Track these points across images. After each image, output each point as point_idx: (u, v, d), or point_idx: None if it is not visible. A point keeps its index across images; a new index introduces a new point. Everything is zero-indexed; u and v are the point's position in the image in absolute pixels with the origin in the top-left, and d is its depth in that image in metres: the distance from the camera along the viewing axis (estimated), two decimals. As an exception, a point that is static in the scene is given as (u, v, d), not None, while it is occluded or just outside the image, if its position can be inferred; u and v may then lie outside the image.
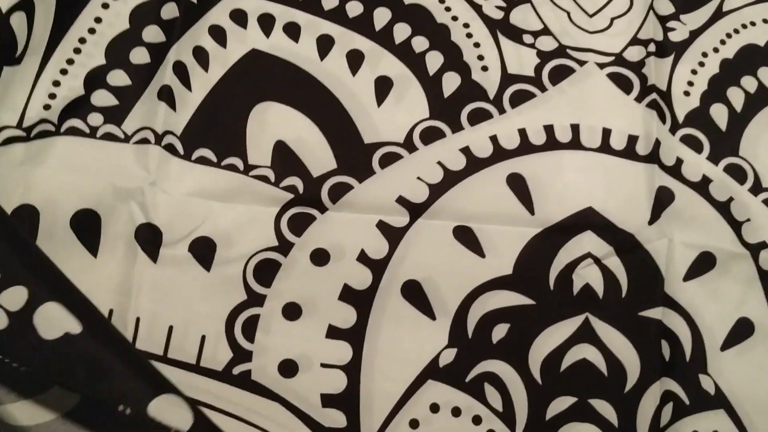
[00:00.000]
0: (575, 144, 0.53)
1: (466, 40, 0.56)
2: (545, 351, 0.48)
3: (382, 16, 0.55)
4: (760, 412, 0.49)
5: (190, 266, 0.48)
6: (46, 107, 0.50)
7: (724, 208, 0.52)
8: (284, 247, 0.49)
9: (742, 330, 0.50)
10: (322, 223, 0.49)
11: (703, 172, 0.53)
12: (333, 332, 0.48)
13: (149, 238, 0.48)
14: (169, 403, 0.37)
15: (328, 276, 0.49)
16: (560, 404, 0.48)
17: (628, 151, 0.53)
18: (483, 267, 0.49)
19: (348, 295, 0.48)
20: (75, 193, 0.48)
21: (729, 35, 0.58)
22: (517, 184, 0.51)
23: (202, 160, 0.50)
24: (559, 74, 0.55)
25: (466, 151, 0.52)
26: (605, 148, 0.53)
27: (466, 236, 0.50)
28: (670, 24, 0.57)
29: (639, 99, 0.55)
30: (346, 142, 0.52)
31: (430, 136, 0.52)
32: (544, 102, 0.54)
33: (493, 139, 0.52)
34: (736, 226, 0.52)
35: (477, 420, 0.47)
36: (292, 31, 0.54)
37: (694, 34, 0.57)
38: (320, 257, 0.49)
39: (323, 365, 0.47)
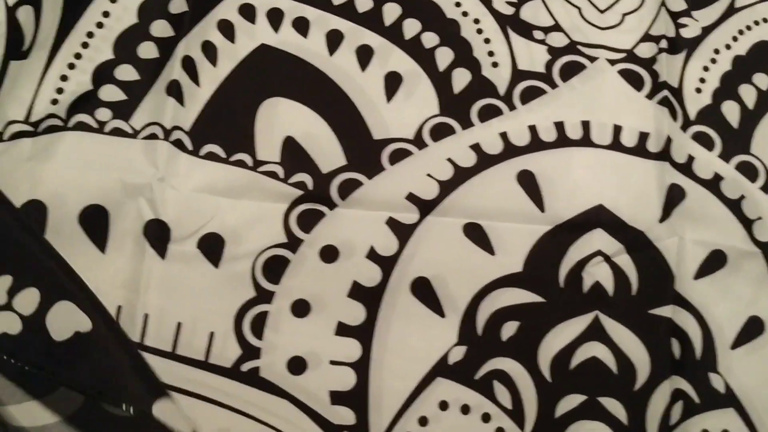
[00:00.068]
0: (586, 141, 0.53)
1: (477, 35, 0.55)
2: (555, 349, 0.48)
3: (391, 12, 0.55)
4: (771, 410, 0.49)
5: (198, 262, 0.48)
6: (54, 102, 0.50)
7: (735, 206, 0.52)
8: (293, 243, 0.49)
9: (752, 328, 0.50)
10: (331, 219, 0.49)
11: (715, 169, 0.53)
12: (342, 329, 0.48)
13: (158, 234, 0.48)
14: (171, 407, 0.37)
15: (338, 273, 0.48)
16: (570, 402, 0.48)
17: (639, 149, 0.53)
18: (493, 264, 0.49)
19: (357, 292, 0.48)
20: (83, 188, 0.48)
21: (741, 32, 0.57)
22: (528, 182, 0.51)
23: (211, 156, 0.50)
24: (570, 71, 0.54)
25: (476, 147, 0.52)
26: (616, 145, 0.53)
27: (475, 233, 0.50)
28: (682, 20, 0.57)
29: (650, 96, 0.54)
30: (356, 138, 0.51)
31: (440, 132, 0.52)
32: (555, 98, 0.54)
33: (504, 135, 0.52)
34: (748, 224, 0.52)
35: (486, 418, 0.47)
36: (302, 26, 0.54)
37: (707, 31, 0.57)
38: (329, 254, 0.49)
39: (332, 362, 0.47)
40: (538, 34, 0.56)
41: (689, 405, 0.48)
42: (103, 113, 0.50)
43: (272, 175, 0.50)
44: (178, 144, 0.50)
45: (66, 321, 0.38)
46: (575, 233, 0.50)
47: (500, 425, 0.47)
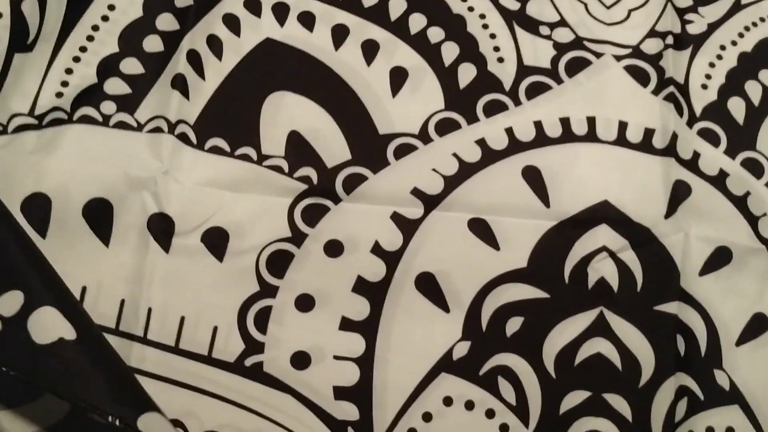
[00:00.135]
0: (591, 137, 0.52)
1: (482, 31, 0.55)
2: (559, 345, 0.48)
3: (397, 6, 0.55)
4: (776, 407, 0.48)
5: (202, 256, 0.48)
6: (59, 95, 0.50)
7: (740, 202, 0.52)
8: (298, 238, 0.48)
9: (757, 325, 0.50)
10: (336, 214, 0.49)
11: (720, 166, 0.53)
12: (346, 324, 0.48)
13: (162, 228, 0.47)
14: (158, 421, 0.37)
15: (342, 267, 0.48)
16: (574, 398, 0.48)
17: (645, 145, 0.52)
18: (497, 260, 0.49)
19: (361, 287, 0.48)
20: (87, 181, 0.48)
21: (747, 28, 0.57)
22: (533, 177, 0.51)
23: (216, 150, 0.50)
24: (576, 66, 0.54)
25: (481, 142, 0.52)
26: (621, 141, 0.52)
27: (480, 229, 0.50)
28: (688, 16, 0.57)
29: (656, 92, 0.54)
30: (361, 132, 0.51)
31: (446, 127, 0.52)
32: (561, 94, 0.53)
33: (509, 131, 0.52)
34: (753, 220, 0.52)
35: (490, 414, 0.47)
36: (307, 20, 0.54)
37: (713, 27, 0.57)
38: (334, 248, 0.48)
39: (336, 357, 0.47)
40: (544, 30, 0.56)
41: (694, 402, 0.48)
42: (108, 106, 0.50)
43: (277, 169, 0.50)
44: (183, 138, 0.50)
45: (49, 325, 0.37)
46: (580, 229, 0.50)
47: (504, 421, 0.47)
